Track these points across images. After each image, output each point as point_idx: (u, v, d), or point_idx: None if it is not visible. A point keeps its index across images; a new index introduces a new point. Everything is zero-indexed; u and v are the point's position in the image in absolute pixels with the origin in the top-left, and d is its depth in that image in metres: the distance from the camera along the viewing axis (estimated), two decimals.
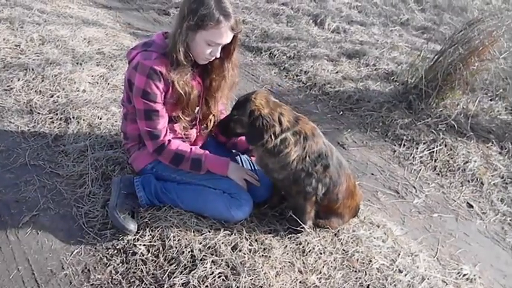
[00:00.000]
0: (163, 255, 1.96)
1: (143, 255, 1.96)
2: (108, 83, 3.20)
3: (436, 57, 3.93)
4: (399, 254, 2.30)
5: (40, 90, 2.98)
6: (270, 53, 4.69)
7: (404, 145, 3.50)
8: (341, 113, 3.85)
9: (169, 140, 2.10)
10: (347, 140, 3.49)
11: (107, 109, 2.88)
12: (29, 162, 2.41)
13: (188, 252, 1.97)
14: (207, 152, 2.18)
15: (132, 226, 2.02)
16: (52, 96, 2.94)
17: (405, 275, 2.17)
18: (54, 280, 1.83)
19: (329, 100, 4.00)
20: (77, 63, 3.36)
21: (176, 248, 1.99)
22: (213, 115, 2.28)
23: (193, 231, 2.08)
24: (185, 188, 2.16)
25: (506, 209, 3.02)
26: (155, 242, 2.01)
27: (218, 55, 2.01)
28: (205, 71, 2.12)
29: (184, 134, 2.23)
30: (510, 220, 2.93)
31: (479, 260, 2.52)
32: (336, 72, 4.45)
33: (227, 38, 1.95)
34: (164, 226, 2.07)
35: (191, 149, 2.15)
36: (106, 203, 2.16)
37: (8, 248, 1.94)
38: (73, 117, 2.73)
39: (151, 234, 2.04)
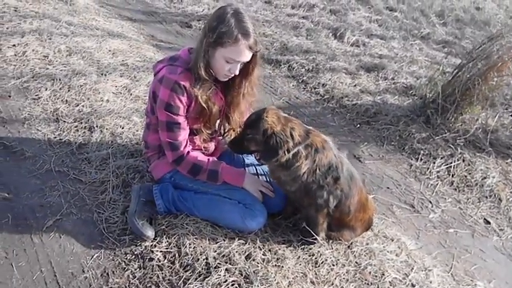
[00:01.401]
0: (178, 262, 2.02)
1: (159, 261, 2.02)
2: (131, 94, 3.31)
3: (455, 72, 3.93)
4: (413, 269, 2.31)
5: (66, 100, 3.10)
6: (289, 66, 4.76)
7: (421, 159, 3.51)
8: (358, 126, 3.87)
9: (188, 152, 2.18)
10: (363, 153, 3.51)
11: (129, 119, 2.98)
12: (54, 168, 2.51)
13: (203, 259, 2.03)
14: (224, 163, 2.25)
15: (150, 233, 2.09)
16: (77, 106, 3.06)
17: None
18: (75, 282, 1.91)
19: (346, 113, 4.03)
20: (102, 74, 3.48)
21: (191, 255, 2.05)
22: (233, 129, 2.35)
23: (208, 240, 2.14)
24: (201, 198, 2.22)
25: None
26: (171, 248, 2.08)
27: (237, 72, 2.07)
28: (227, 87, 2.19)
29: (204, 147, 2.30)
30: None
31: (494, 277, 2.51)
32: (354, 86, 4.48)
33: (245, 56, 2.01)
34: (181, 233, 2.14)
35: (208, 160, 2.22)
36: (125, 209, 2.25)
37: (32, 250, 2.03)
38: (97, 126, 2.84)
39: (167, 241, 2.11)
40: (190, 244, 2.09)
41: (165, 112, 2.08)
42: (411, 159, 3.51)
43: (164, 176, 2.31)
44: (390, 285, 2.16)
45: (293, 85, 4.45)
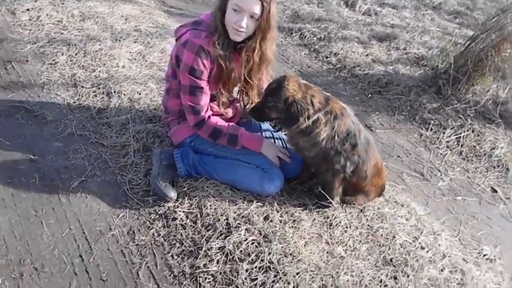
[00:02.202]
0: (200, 222, 2.12)
1: (182, 221, 2.12)
2: (145, 60, 3.35)
3: (468, 43, 3.94)
4: (422, 232, 2.40)
5: (83, 65, 3.14)
6: (300, 34, 4.75)
7: (431, 129, 3.56)
8: (370, 95, 3.91)
9: (209, 116, 2.24)
10: (374, 122, 3.57)
11: (146, 85, 3.03)
12: (76, 132, 2.58)
13: (224, 220, 2.12)
14: (243, 129, 2.31)
15: (173, 194, 2.17)
16: (94, 71, 3.10)
17: (427, 251, 2.27)
18: (103, 239, 2.01)
19: (358, 82, 4.06)
20: (116, 40, 3.51)
21: (212, 215, 2.14)
22: (252, 100, 2.39)
23: (228, 202, 2.22)
24: (221, 162, 2.30)
25: None
26: (193, 209, 2.17)
27: (244, 25, 2.01)
28: (246, 50, 2.21)
29: (223, 112, 2.36)
30: None
31: (500, 242, 2.60)
32: (366, 55, 4.49)
33: (251, 3, 1.97)
34: (202, 195, 2.22)
35: (228, 125, 2.28)
36: (147, 172, 2.33)
37: (60, 209, 2.12)
38: (114, 92, 2.89)
39: (189, 202, 2.19)
40: (211, 205, 2.18)
41: (188, 76, 2.12)
42: (422, 129, 3.56)
43: (185, 141, 2.38)
44: (401, 247, 2.25)
45: (305, 54, 4.46)
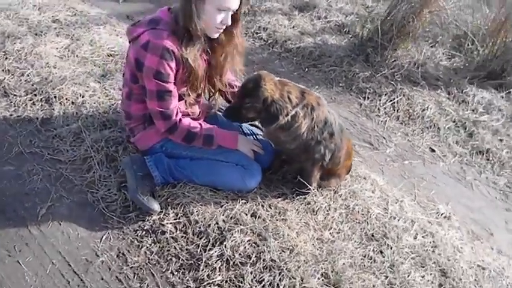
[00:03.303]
0: (191, 230, 2.06)
1: (172, 233, 2.04)
2: (76, 56, 3.04)
3: (389, 10, 4.15)
4: (388, 202, 2.58)
5: (8, 69, 2.77)
6: None
7: (368, 98, 3.76)
8: (306, 69, 3.99)
9: (180, 119, 2.13)
10: None
11: (86, 85, 2.77)
12: (24, 150, 2.31)
13: (214, 224, 2.08)
14: (216, 127, 2.25)
15: (156, 206, 2.07)
16: (23, 75, 2.76)
17: (398, 220, 2.46)
18: (93, 268, 1.87)
19: (292, 57, 4.11)
20: (37, 35, 3.13)
21: (201, 222, 2.08)
22: (218, 91, 2.32)
23: (213, 204, 2.18)
24: (198, 163, 2.22)
25: (461, 151, 3.42)
26: (180, 218, 2.09)
27: (229, 22, 2.00)
28: (211, 46, 2.13)
29: (190, 111, 2.26)
30: (466, 160, 3.34)
31: (449, 199, 2.89)
32: (293, 27, 4.53)
33: (236, 1, 1.95)
34: (185, 202, 2.15)
35: (201, 125, 2.20)
36: (121, 185, 2.18)
37: (35, 243, 1.92)
38: (54, 97, 2.61)
39: (174, 212, 2.11)
40: (197, 211, 2.12)
41: (154, 80, 1.99)
42: (360, 99, 3.75)
43: (154, 146, 2.25)
44: (376, 220, 2.41)
45: None
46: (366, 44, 4.22)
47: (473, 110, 3.87)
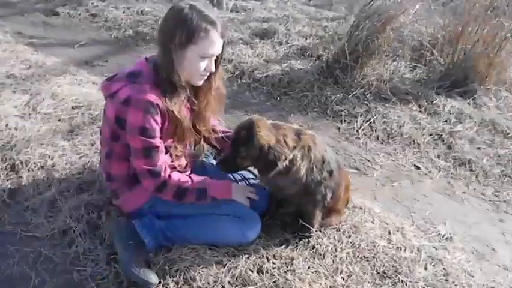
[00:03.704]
0: None
1: None
2: (38, 112, 2.79)
3: (351, 30, 4.15)
4: (390, 232, 2.48)
5: None
6: None
7: (345, 120, 3.71)
8: (278, 98, 3.90)
9: (169, 175, 1.95)
10: (292, 124, 3.55)
11: (54, 145, 2.53)
12: None
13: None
14: (208, 178, 2.08)
15: (154, 278, 1.86)
16: None
17: (405, 250, 2.36)
18: None
19: (262, 87, 4.02)
20: None
21: (206, 287, 1.89)
22: (202, 138, 2.17)
23: (214, 264, 1.99)
24: (193, 221, 2.04)
25: (444, 164, 3.41)
26: (181, 287, 1.88)
27: (213, 69, 1.90)
28: (193, 93, 1.99)
29: (177, 164, 2.08)
30: (451, 174, 3.33)
31: (445, 217, 2.84)
32: (257, 56, 4.46)
33: (219, 46, 1.86)
34: (183, 267, 1.94)
35: (191, 178, 2.03)
36: (109, 257, 1.94)
37: None
38: (20, 163, 2.35)
39: (174, 281, 1.90)
40: (199, 276, 1.92)
41: (140, 137, 1.81)
42: (336, 122, 3.69)
43: (141, 208, 2.05)
44: (384, 253, 2.29)
45: None
46: (333, 66, 4.20)
47: (446, 121, 3.91)
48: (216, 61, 1.94)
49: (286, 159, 1.91)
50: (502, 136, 3.84)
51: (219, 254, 2.05)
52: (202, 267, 1.96)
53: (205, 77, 1.94)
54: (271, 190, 2.17)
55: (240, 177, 2.30)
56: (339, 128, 3.62)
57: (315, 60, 4.52)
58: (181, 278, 1.91)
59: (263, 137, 1.87)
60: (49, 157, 2.43)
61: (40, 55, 3.57)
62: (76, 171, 2.39)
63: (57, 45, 3.88)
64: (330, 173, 2.09)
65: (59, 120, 2.75)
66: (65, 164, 2.42)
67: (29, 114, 2.75)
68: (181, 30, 1.74)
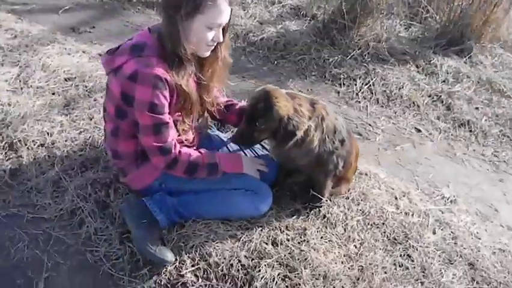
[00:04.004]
0: (214, 276, 1.84)
1: (194, 283, 1.81)
2: (30, 86, 2.66)
3: None
4: (396, 197, 2.50)
5: None
6: None
7: (344, 84, 3.65)
8: (275, 62, 3.80)
9: (179, 151, 1.89)
10: (292, 90, 3.48)
11: (51, 120, 2.43)
12: None
13: (237, 263, 1.88)
14: (218, 153, 2.03)
15: (170, 255, 1.84)
16: None
17: (412, 215, 2.38)
18: None
19: (258, 51, 3.90)
20: None
21: (222, 263, 1.88)
22: (207, 110, 2.10)
23: (229, 239, 1.98)
24: (205, 197, 2.01)
25: (444, 126, 3.41)
26: (198, 264, 1.87)
27: (221, 39, 1.81)
28: (198, 64, 1.90)
29: (185, 139, 2.02)
30: (451, 135, 3.34)
31: (448, 180, 2.86)
32: (250, 17, 4.31)
33: (227, 14, 1.75)
34: (199, 243, 1.93)
35: (201, 153, 1.98)
36: (122, 237, 1.91)
37: None
38: (19, 142, 2.25)
39: (190, 257, 1.88)
40: (215, 251, 1.90)
41: (149, 114, 1.74)
42: (336, 86, 3.63)
43: (151, 185, 2.00)
44: (393, 219, 2.31)
45: None
46: (329, 26, 4.09)
47: (444, 81, 3.88)
48: (223, 30, 1.84)
49: (303, 128, 1.87)
50: (499, 95, 3.84)
51: (233, 228, 2.04)
52: (217, 242, 1.94)
53: (212, 47, 1.84)
54: (282, 161, 2.14)
55: (249, 150, 2.26)
56: (338, 92, 3.56)
57: (310, 20, 4.38)
58: (197, 254, 1.89)
59: (282, 107, 1.81)
60: (48, 134, 2.34)
61: (24, 23, 3.38)
62: (77, 148, 2.31)
63: (40, 12, 3.67)
64: (342, 142, 2.06)
65: (53, 94, 2.63)
66: (65, 140, 2.34)
67: (21, 89, 2.62)
68: (186, 0, 1.63)
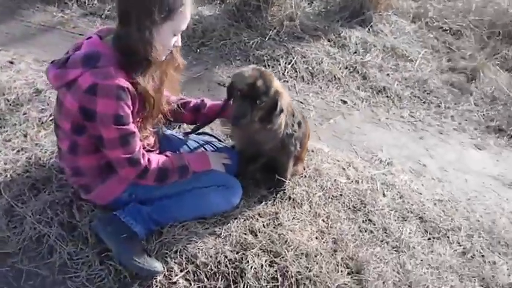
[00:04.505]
0: (204, 276, 1.85)
1: None
2: None
3: None
4: (344, 168, 2.69)
5: None
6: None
7: (269, 65, 3.74)
8: (198, 50, 3.75)
9: (148, 159, 1.84)
10: (221, 77, 3.50)
11: None
12: None
13: (224, 259, 1.91)
14: (185, 154, 2.01)
15: (158, 265, 1.80)
16: None
17: (362, 182, 2.59)
18: None
19: None
20: None
21: (210, 261, 1.89)
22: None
23: (209, 236, 1.99)
24: (181, 200, 1.98)
25: (364, 94, 3.69)
26: (186, 267, 1.86)
27: (180, 43, 1.82)
28: (164, 65, 1.86)
29: (146, 143, 1.96)
30: (372, 102, 3.63)
31: (380, 144, 3.13)
32: None
33: (189, 18, 1.75)
34: (181, 247, 1.91)
35: (169, 157, 1.94)
36: (101, 256, 1.82)
37: None
38: None
39: (176, 263, 1.86)
40: (199, 252, 1.91)
41: (115, 127, 1.66)
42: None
43: (120, 197, 1.92)
44: (348, 189, 2.49)
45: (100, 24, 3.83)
46: (243, 8, 4.12)
47: (355, 52, 4.15)
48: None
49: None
50: (403, 60, 4.22)
51: (210, 225, 2.05)
52: (199, 243, 1.94)
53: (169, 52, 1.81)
54: (246, 148, 2.19)
55: (203, 142, 2.27)
56: None
57: (220, 3, 4.37)
58: (183, 258, 1.88)
59: (278, 85, 1.92)
60: None
61: None
62: (20, 169, 2.11)
63: None
64: (299, 124, 2.16)
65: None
66: (5, 163, 2.11)
67: None
68: (159, 5, 1.58)
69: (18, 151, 2.21)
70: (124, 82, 1.63)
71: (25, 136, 2.31)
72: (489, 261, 2.27)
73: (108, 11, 3.86)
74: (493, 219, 2.61)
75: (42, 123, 2.42)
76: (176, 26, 1.68)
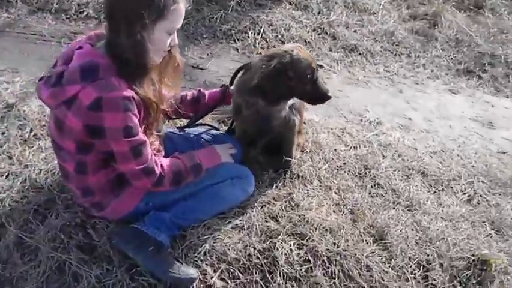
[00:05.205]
0: (239, 272, 1.83)
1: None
2: None
3: None
4: (339, 136, 2.70)
5: None
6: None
7: (238, 39, 3.64)
8: None
9: (161, 165, 1.75)
10: (194, 59, 3.37)
11: None
12: None
13: (253, 250, 1.89)
14: (195, 152, 1.93)
15: (194, 272, 1.76)
16: None
17: (360, 147, 2.63)
18: None
19: None
20: None
21: (241, 256, 1.87)
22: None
23: (232, 231, 1.96)
24: (198, 200, 1.91)
25: (338, 55, 3.69)
26: (219, 266, 1.83)
27: (177, 41, 1.68)
28: (163, 65, 1.74)
29: (153, 148, 1.86)
30: (347, 62, 3.63)
31: (364, 104, 3.16)
32: None
33: (183, 16, 1.62)
34: (209, 247, 1.87)
35: (180, 159, 1.86)
36: (130, 273, 1.75)
37: None
38: None
39: (208, 264, 1.83)
40: (228, 249, 1.88)
41: (126, 139, 1.56)
42: (231, 43, 3.61)
43: (137, 209, 1.84)
44: (348, 157, 2.52)
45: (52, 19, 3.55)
46: None
47: (319, 13, 4.10)
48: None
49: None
50: (367, 14, 4.22)
51: (231, 218, 2.01)
52: (224, 239, 1.91)
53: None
54: (251, 129, 2.18)
55: (201, 132, 2.21)
56: (237, 49, 3.54)
57: None
58: (214, 258, 1.85)
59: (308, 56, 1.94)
60: None
61: None
62: (18, 196, 1.96)
63: None
64: None
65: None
66: (2, 192, 1.96)
67: None
68: (149, 6, 1.45)
69: (7, 176, 2.05)
70: (128, 92, 1.52)
71: (10, 158, 2.14)
72: (493, 204, 2.38)
73: (57, 4, 3.56)
74: (485, 161, 2.73)
75: (25, 140, 2.24)
76: (171, 25, 1.55)
